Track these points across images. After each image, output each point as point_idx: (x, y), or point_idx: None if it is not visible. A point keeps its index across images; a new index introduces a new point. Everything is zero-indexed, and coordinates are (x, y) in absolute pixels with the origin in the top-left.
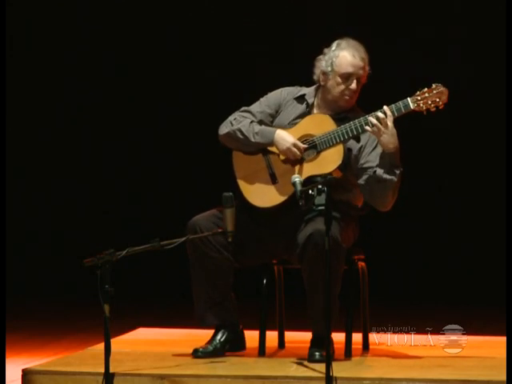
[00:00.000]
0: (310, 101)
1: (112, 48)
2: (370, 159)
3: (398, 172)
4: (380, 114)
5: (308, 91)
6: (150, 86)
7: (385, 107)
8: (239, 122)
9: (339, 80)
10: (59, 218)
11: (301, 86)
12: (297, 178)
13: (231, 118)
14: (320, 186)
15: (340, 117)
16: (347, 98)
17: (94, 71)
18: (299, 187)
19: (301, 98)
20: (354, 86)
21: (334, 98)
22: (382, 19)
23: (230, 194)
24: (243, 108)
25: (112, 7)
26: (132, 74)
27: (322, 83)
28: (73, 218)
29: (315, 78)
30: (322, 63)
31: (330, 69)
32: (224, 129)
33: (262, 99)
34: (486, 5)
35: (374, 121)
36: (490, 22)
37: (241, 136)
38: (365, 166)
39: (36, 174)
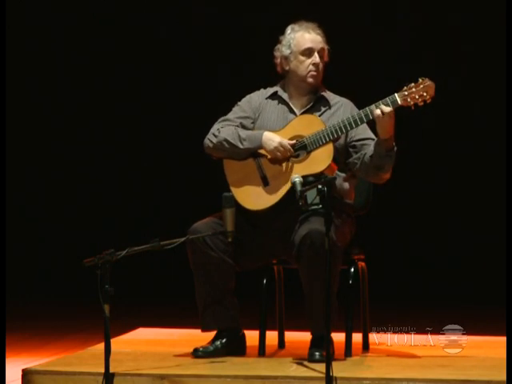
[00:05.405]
0: (284, 96)
1: (114, 48)
2: (359, 132)
3: (392, 154)
4: (384, 108)
5: (277, 88)
6: (150, 89)
7: (383, 106)
8: (223, 132)
9: (301, 58)
10: (59, 217)
11: (265, 88)
12: (297, 178)
13: (213, 130)
14: (320, 186)
15: (316, 96)
16: (314, 73)
17: (94, 71)
18: (299, 187)
19: (274, 96)
20: (317, 59)
21: (301, 78)
22: (379, 16)
23: (230, 194)
24: (221, 118)
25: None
26: (132, 74)
27: (285, 68)
28: (73, 218)
29: (278, 69)
30: (282, 49)
31: (289, 51)
32: (209, 142)
33: (234, 108)
34: (485, 4)
35: (378, 111)
36: (490, 22)
37: (227, 145)
38: (355, 138)
39: (36, 173)
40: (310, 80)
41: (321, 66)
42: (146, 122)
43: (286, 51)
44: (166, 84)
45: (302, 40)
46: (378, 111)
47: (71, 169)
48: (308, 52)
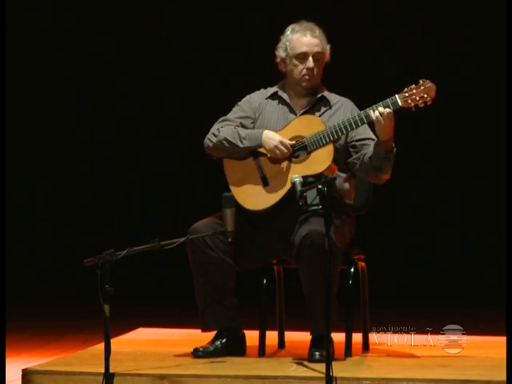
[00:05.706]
0: (284, 96)
1: (114, 48)
2: (359, 132)
3: (391, 156)
4: (381, 110)
5: (277, 89)
6: (150, 89)
7: (381, 108)
8: (222, 132)
9: (296, 62)
10: (59, 217)
11: (265, 88)
12: (297, 178)
13: (213, 130)
14: (320, 186)
15: (317, 97)
16: (307, 77)
17: (94, 71)
18: (299, 187)
19: (274, 96)
20: (310, 64)
21: (296, 81)
22: (383, 17)
23: (230, 194)
24: (221, 118)
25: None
26: (132, 74)
27: (283, 70)
28: (73, 218)
29: (279, 68)
30: (280, 50)
31: (285, 54)
32: (209, 142)
33: (234, 108)
34: (486, 5)
35: (377, 113)
36: (491, 22)
37: (228, 144)
38: (355, 138)
39: (36, 173)
40: (304, 84)
41: (316, 70)
42: (146, 121)
43: (283, 54)
44: (166, 84)
45: (297, 44)
46: (376, 113)
47: (71, 169)
48: (302, 56)
